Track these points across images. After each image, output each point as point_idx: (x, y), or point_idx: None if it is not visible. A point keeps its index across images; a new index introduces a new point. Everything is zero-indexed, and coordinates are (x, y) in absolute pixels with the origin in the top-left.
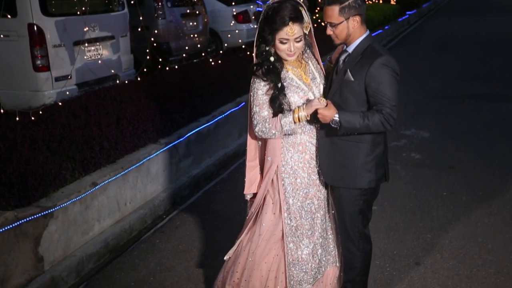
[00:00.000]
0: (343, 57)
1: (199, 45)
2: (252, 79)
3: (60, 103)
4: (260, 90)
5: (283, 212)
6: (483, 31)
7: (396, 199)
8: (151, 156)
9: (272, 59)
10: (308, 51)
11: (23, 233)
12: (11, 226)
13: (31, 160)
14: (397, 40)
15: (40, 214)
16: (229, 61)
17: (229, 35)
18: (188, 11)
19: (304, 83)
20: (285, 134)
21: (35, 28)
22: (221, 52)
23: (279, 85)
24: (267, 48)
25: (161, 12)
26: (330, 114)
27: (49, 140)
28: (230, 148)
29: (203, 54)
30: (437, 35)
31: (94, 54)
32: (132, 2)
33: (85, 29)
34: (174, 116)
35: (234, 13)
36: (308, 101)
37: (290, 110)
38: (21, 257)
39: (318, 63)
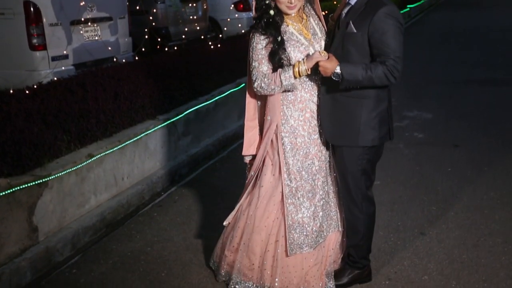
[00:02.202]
0: (345, 10)
1: (198, 31)
2: (251, 34)
3: (55, 78)
4: (259, 44)
5: (283, 173)
6: (485, 24)
7: (399, 175)
8: (149, 131)
9: (272, 12)
10: (309, 6)
11: (16, 201)
12: (3, 193)
13: (25, 130)
14: None
15: (34, 183)
16: (229, 44)
17: (228, 20)
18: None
19: (305, 38)
20: (285, 91)
21: (31, 6)
22: (220, 36)
23: (279, 38)
24: (267, 1)
25: None
26: (331, 66)
27: (44, 113)
28: (229, 129)
29: (202, 37)
30: (439, 27)
31: (92, 35)
32: None
33: (82, 7)
34: (173, 93)
35: (234, 1)
36: (309, 56)
37: (290, 65)
38: (14, 226)
39: (320, 20)
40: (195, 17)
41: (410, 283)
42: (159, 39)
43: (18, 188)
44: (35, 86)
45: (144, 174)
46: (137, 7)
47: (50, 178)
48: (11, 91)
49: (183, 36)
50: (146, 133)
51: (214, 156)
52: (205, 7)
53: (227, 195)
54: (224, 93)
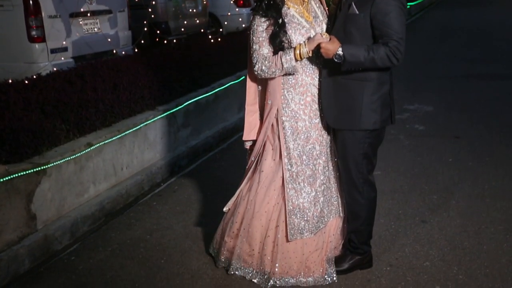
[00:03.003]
0: None
1: (198, 26)
2: (251, 17)
3: (55, 68)
4: (260, 27)
5: (283, 157)
6: (485, 21)
7: (400, 165)
8: (148, 122)
9: None
10: None
11: (14, 188)
12: (1, 180)
13: (24, 118)
14: None
15: (32, 170)
16: (229, 37)
17: (229, 15)
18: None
19: (306, 21)
20: (286, 74)
21: None
22: (221, 30)
23: (280, 21)
24: None
25: None
26: (333, 48)
27: (43, 103)
28: (229, 122)
29: (202, 30)
30: (439, 24)
31: (91, 28)
32: None
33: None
34: (172, 85)
35: None
36: (310, 38)
37: (291, 48)
38: (12, 213)
39: (322, 3)
40: (195, 12)
41: (411, 269)
42: (158, 32)
43: (16, 175)
44: (34, 77)
45: (144, 164)
46: None
47: (49, 166)
48: (10, 81)
49: (183, 30)
50: (145, 123)
51: (214, 148)
52: (205, 2)
53: (227, 185)
54: (224, 86)
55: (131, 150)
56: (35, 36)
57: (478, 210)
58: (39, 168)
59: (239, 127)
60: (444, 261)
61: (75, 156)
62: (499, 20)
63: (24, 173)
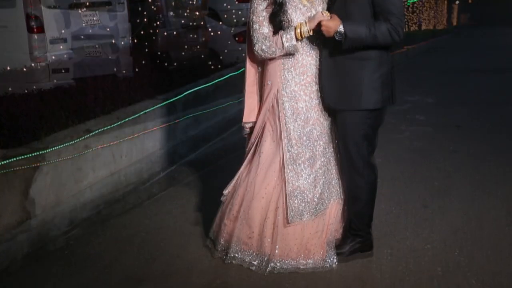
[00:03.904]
0: None
1: (198, 57)
2: None
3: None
4: (260, 6)
5: (283, 138)
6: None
7: (401, 153)
8: (148, 110)
9: None
10: None
11: (12, 172)
12: None
13: (22, 105)
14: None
15: (31, 155)
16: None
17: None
18: (189, 23)
19: (306, 0)
20: (286, 54)
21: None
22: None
23: (280, 0)
24: None
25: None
26: (334, 25)
27: (42, 92)
28: (229, 113)
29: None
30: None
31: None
32: None
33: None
34: (172, 75)
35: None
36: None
37: (292, 27)
38: (10, 197)
39: None
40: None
41: (412, 251)
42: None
43: (15, 159)
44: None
45: (143, 153)
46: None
47: (47, 151)
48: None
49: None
50: (145, 111)
51: (214, 138)
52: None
53: (227, 172)
54: (224, 76)
55: (131, 138)
56: (34, 26)
57: (479, 196)
58: (38, 153)
59: (239, 118)
60: (445, 244)
61: (74, 142)
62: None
63: (23, 157)
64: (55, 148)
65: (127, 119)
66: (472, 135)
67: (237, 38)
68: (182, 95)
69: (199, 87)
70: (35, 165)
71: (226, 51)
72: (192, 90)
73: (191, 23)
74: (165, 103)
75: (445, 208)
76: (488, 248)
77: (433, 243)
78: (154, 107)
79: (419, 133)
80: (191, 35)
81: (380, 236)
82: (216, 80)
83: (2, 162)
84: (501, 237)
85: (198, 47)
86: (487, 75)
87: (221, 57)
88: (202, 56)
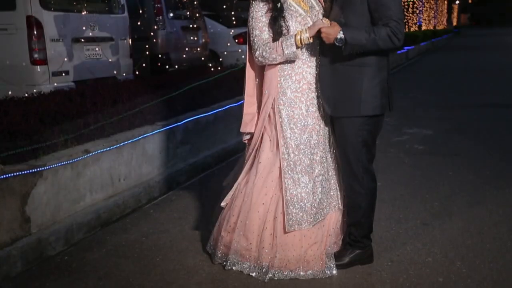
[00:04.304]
0: None
1: (198, 59)
2: (250, 4)
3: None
4: (260, 12)
5: (281, 146)
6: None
7: (401, 177)
8: (147, 135)
9: None
10: None
11: (9, 188)
12: None
13: (22, 123)
14: (396, 70)
15: (28, 171)
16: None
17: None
18: (189, 24)
19: (302, 9)
20: (285, 62)
21: (34, 21)
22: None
23: (279, 5)
24: None
25: (161, 23)
26: (334, 31)
27: (42, 114)
28: (229, 144)
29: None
30: (435, 67)
31: (93, 54)
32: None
33: (83, 27)
34: (173, 104)
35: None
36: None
37: (291, 34)
38: (6, 214)
39: None
40: (195, 45)
41: (413, 264)
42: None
43: (12, 175)
44: (34, 91)
45: (142, 178)
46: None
47: (45, 168)
48: (9, 92)
49: (185, 61)
50: (144, 135)
51: (213, 166)
52: (205, 35)
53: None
54: (223, 107)
55: (129, 161)
56: (37, 59)
57: (480, 215)
58: (35, 170)
59: (239, 149)
60: (447, 257)
61: (72, 162)
62: (493, 62)
63: (20, 173)
64: (53, 166)
65: (126, 142)
66: (471, 162)
67: (236, 40)
68: (181, 122)
69: (199, 116)
70: (33, 183)
71: (225, 52)
72: (191, 118)
73: (191, 25)
74: (164, 129)
75: (445, 226)
76: (490, 261)
77: (435, 256)
78: (154, 132)
79: (418, 160)
80: (191, 37)
81: (380, 250)
82: (217, 110)
83: (0, 178)
84: (504, 251)
85: (198, 49)
86: (487, 75)
87: (220, 59)
88: (203, 59)
